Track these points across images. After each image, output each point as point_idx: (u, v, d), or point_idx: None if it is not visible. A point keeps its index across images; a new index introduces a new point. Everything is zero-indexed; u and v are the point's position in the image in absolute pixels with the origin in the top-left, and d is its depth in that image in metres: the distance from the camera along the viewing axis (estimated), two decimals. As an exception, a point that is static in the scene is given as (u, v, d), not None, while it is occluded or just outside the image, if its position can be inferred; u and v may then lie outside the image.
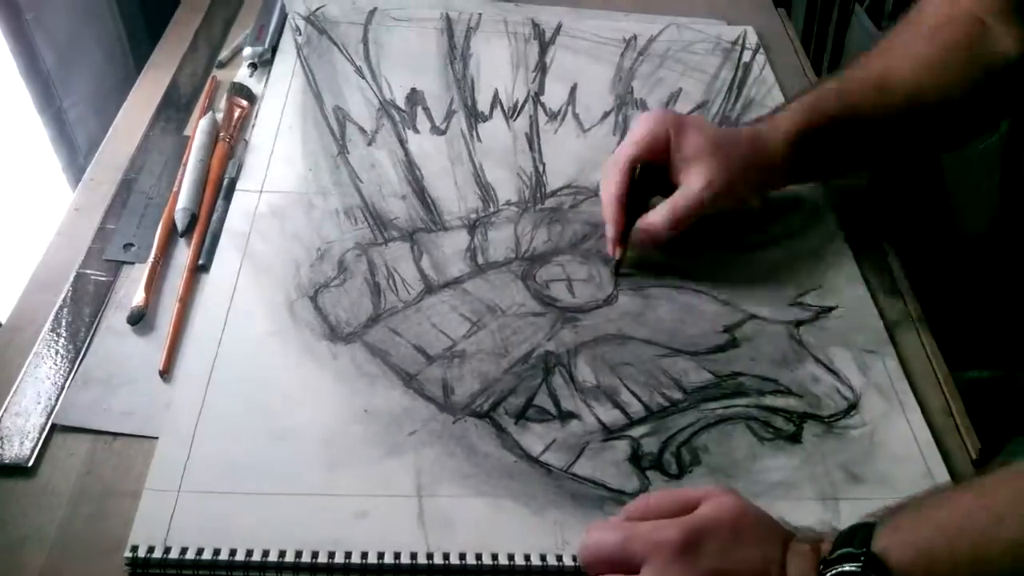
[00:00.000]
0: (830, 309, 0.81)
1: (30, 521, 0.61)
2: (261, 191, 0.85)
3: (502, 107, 0.99)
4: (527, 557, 0.61)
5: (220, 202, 0.83)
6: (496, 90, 1.01)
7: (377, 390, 0.70)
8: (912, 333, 0.81)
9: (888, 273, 0.86)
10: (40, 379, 0.69)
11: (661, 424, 0.70)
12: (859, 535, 0.55)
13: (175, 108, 0.95)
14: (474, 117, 0.97)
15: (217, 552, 0.59)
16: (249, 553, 0.59)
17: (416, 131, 0.95)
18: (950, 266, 1.17)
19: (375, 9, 1.11)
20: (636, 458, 0.68)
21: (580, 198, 0.89)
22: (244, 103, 0.95)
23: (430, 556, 0.60)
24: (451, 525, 0.62)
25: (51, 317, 0.73)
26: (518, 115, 0.98)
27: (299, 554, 0.60)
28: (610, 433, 0.69)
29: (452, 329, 0.75)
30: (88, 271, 0.77)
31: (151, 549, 0.59)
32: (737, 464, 0.68)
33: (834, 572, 0.54)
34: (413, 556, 0.60)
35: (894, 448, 0.71)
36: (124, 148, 0.89)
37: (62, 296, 0.75)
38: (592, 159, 0.93)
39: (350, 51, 1.04)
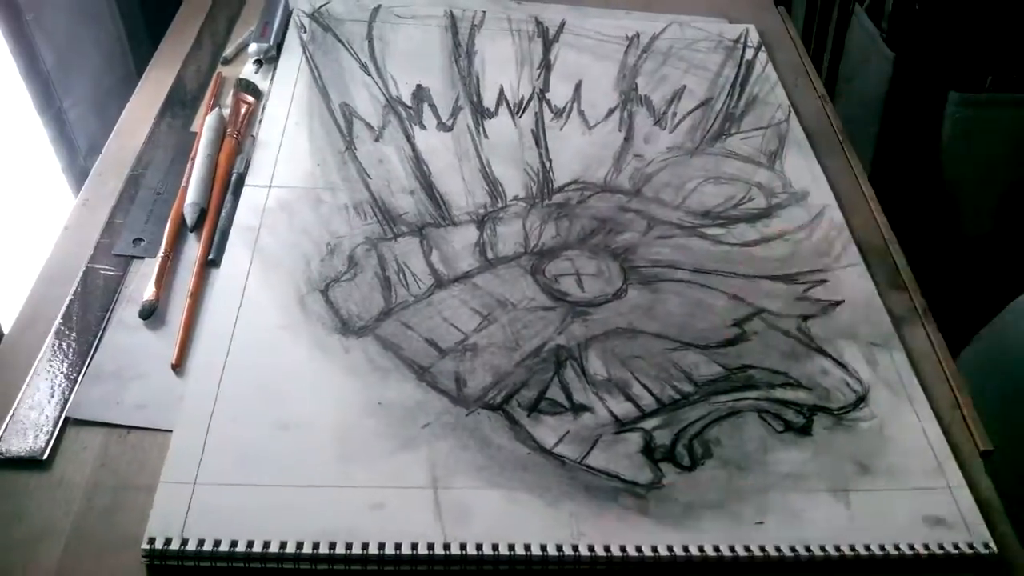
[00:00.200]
0: (837, 303, 0.81)
1: (45, 514, 0.61)
2: (270, 186, 0.85)
3: (508, 104, 0.99)
4: (543, 548, 0.61)
5: (229, 197, 0.84)
6: (501, 87, 1.01)
7: (390, 383, 0.70)
8: (918, 327, 0.81)
9: (893, 267, 0.86)
10: (53, 373, 0.69)
11: (673, 416, 0.70)
12: None
13: (181, 104, 0.95)
14: (480, 114, 0.98)
15: (234, 543, 0.59)
16: (266, 544, 0.59)
17: (423, 127, 0.95)
18: (952, 263, 1.18)
19: (379, 6, 1.11)
20: (649, 450, 0.68)
21: (587, 193, 0.89)
22: (250, 99, 0.95)
23: (447, 547, 0.60)
24: (466, 516, 0.62)
25: (62, 312, 0.73)
26: (524, 112, 0.99)
27: (315, 545, 0.60)
28: (622, 425, 0.69)
29: (463, 323, 0.75)
30: (98, 266, 0.77)
31: (168, 541, 0.59)
32: (748, 456, 0.69)
33: None
34: (430, 547, 0.60)
35: (903, 441, 0.71)
36: (130, 144, 0.89)
37: (72, 291, 0.75)
38: (598, 155, 0.94)
39: (355, 48, 1.04)
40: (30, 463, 0.63)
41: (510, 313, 0.76)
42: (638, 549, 0.62)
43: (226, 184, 0.85)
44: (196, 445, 0.64)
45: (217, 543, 0.59)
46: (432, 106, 0.98)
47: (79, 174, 1.01)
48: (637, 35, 1.12)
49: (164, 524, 0.60)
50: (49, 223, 0.83)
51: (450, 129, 0.95)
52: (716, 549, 0.62)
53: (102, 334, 0.72)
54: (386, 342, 0.73)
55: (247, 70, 1.00)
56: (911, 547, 0.64)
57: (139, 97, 0.96)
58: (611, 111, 1.00)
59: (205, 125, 0.89)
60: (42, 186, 1.02)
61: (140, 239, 0.79)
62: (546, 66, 1.06)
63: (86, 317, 0.73)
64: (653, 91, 1.04)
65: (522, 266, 0.81)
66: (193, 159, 0.86)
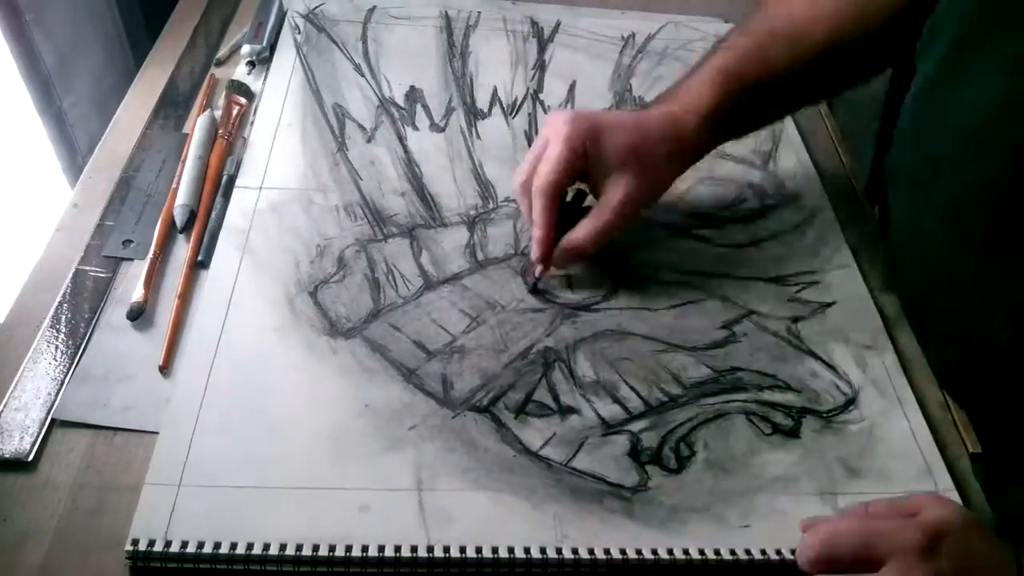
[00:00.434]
0: (828, 305, 0.81)
1: (30, 516, 0.61)
2: (260, 188, 0.85)
3: (501, 105, 0.99)
4: (527, 550, 0.61)
5: (219, 199, 0.84)
6: (495, 88, 1.01)
7: (377, 385, 0.70)
8: (909, 329, 0.81)
9: (885, 269, 0.86)
10: (40, 374, 0.69)
11: (660, 419, 0.70)
12: None
13: (173, 106, 0.95)
14: (473, 115, 0.97)
15: (218, 546, 0.59)
16: (250, 546, 0.59)
17: (415, 128, 0.95)
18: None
19: (374, 7, 1.11)
20: (635, 452, 0.68)
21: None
22: (242, 100, 0.95)
23: (430, 549, 0.60)
24: (451, 519, 0.62)
25: (50, 313, 0.73)
26: (517, 113, 0.99)
27: (300, 547, 0.60)
28: (609, 428, 0.69)
29: (452, 325, 0.75)
30: (87, 267, 0.77)
31: (152, 543, 0.59)
32: (736, 458, 0.69)
33: None
34: (414, 549, 0.60)
35: (892, 443, 0.71)
36: (122, 145, 0.89)
37: (61, 292, 0.75)
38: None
39: (349, 49, 1.04)
40: (15, 464, 0.63)
41: (499, 315, 0.76)
42: (622, 552, 0.62)
43: (216, 186, 0.85)
44: (182, 447, 0.64)
45: (201, 545, 0.59)
46: (425, 107, 0.98)
47: (79, 174, 1.01)
48: (632, 35, 1.12)
49: (148, 525, 0.60)
50: (48, 224, 0.83)
51: (443, 130, 0.95)
52: (701, 552, 0.62)
53: (90, 336, 0.72)
54: (374, 344, 0.73)
55: (240, 71, 1.00)
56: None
57: (132, 98, 0.96)
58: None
59: (196, 126, 0.89)
60: (42, 186, 1.02)
61: (130, 240, 0.80)
62: (540, 66, 1.06)
63: (74, 319, 0.73)
64: (648, 91, 1.04)
65: (512, 267, 0.81)
66: (184, 161, 0.86)
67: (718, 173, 0.93)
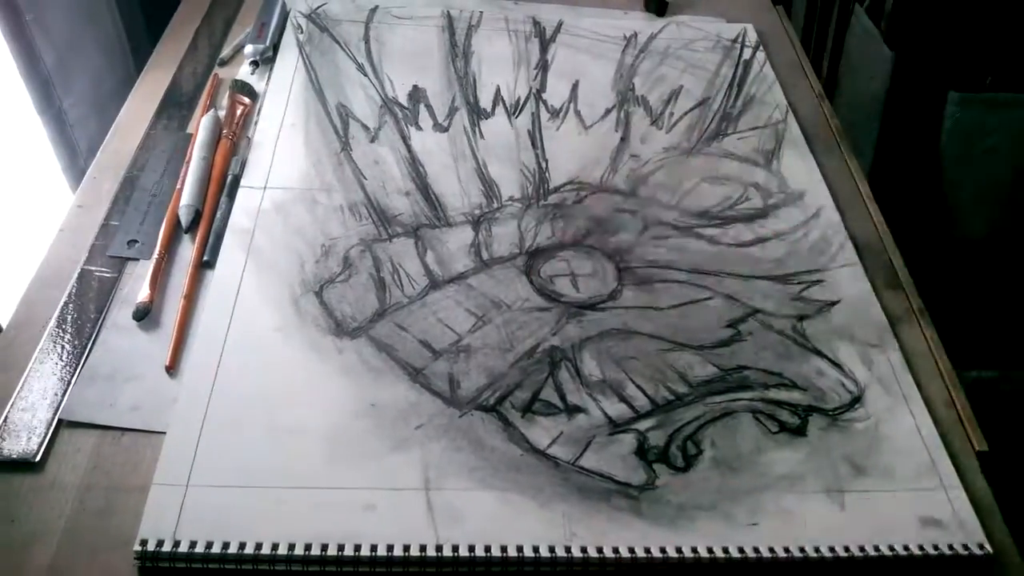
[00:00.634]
0: (833, 303, 0.81)
1: (38, 516, 0.61)
2: (265, 187, 0.85)
3: (504, 104, 0.99)
4: (535, 549, 0.61)
5: (224, 199, 0.84)
6: (498, 87, 1.01)
7: (383, 384, 0.70)
8: (914, 327, 0.81)
9: (890, 267, 0.86)
10: (46, 375, 0.69)
11: (667, 417, 0.70)
12: None
13: (177, 106, 0.95)
14: (476, 114, 0.97)
15: (226, 545, 0.59)
16: (258, 546, 0.59)
17: (419, 128, 0.95)
18: (949, 264, 1.18)
19: (376, 7, 1.11)
20: (642, 451, 0.68)
21: (583, 194, 0.89)
22: (246, 100, 0.95)
23: (439, 548, 0.60)
24: (459, 518, 0.62)
25: (56, 313, 0.73)
26: (520, 112, 0.99)
27: (308, 547, 0.60)
28: (616, 426, 0.69)
29: (457, 324, 0.75)
30: (92, 267, 0.77)
31: (160, 543, 0.59)
32: (743, 457, 0.69)
33: None
34: (422, 549, 0.60)
35: (898, 441, 0.71)
36: (126, 146, 0.89)
37: (67, 292, 0.75)
38: (594, 156, 0.94)
39: (352, 49, 1.04)
40: (23, 465, 0.63)
41: (505, 314, 0.76)
42: (631, 550, 0.62)
43: (221, 185, 0.85)
44: (189, 447, 0.64)
45: (209, 545, 0.59)
46: (428, 107, 0.98)
47: (79, 175, 1.01)
48: (635, 35, 1.12)
49: (156, 526, 0.60)
50: (48, 224, 0.83)
51: (446, 130, 0.95)
52: (709, 550, 0.62)
53: (96, 336, 0.72)
54: (380, 343, 0.73)
55: (243, 71, 1.00)
56: (906, 548, 0.64)
57: (135, 99, 0.96)
58: (608, 111, 1.00)
59: (200, 126, 0.89)
60: (42, 187, 1.02)
61: (135, 241, 0.79)
62: (543, 66, 1.06)
63: (80, 319, 0.73)
64: (650, 91, 1.04)
65: (517, 267, 0.81)
66: (188, 161, 0.86)
67: (722, 172, 0.93)
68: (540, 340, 0.74)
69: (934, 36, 1.32)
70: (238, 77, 0.98)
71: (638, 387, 0.72)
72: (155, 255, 0.78)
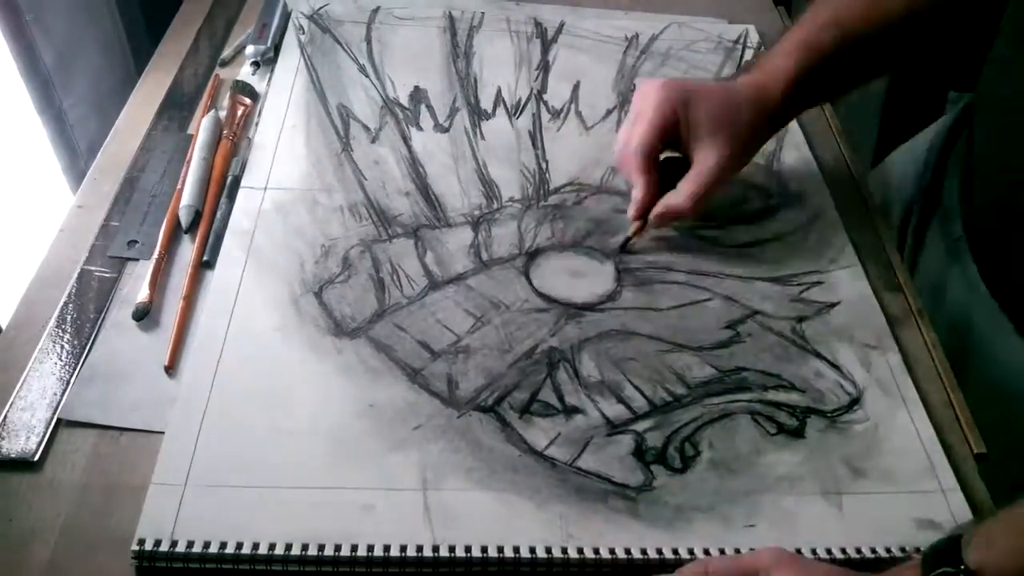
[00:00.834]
0: (832, 305, 0.81)
1: (36, 515, 0.61)
2: (265, 188, 0.85)
3: (505, 105, 0.99)
4: (532, 550, 0.61)
5: (224, 199, 0.84)
6: (499, 88, 1.01)
7: (382, 385, 0.70)
8: (913, 328, 0.81)
9: (889, 268, 0.86)
10: (45, 374, 0.69)
11: (665, 418, 0.70)
12: (948, 552, 0.56)
13: (178, 106, 0.96)
14: (477, 115, 0.98)
15: (224, 545, 0.59)
16: (255, 546, 0.59)
17: (419, 129, 0.95)
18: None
19: (378, 8, 1.11)
20: (640, 452, 0.68)
21: (583, 195, 0.89)
22: (247, 101, 0.95)
23: (436, 549, 0.60)
24: (456, 519, 0.62)
25: (56, 313, 0.73)
26: (521, 113, 0.99)
27: (305, 547, 0.60)
28: (614, 427, 0.69)
29: (456, 325, 0.75)
30: (92, 268, 0.77)
31: (158, 542, 0.59)
32: (740, 458, 0.69)
33: None
34: (419, 549, 0.60)
35: (897, 443, 0.71)
36: (127, 146, 0.90)
37: (66, 292, 0.75)
38: (595, 157, 0.94)
39: (353, 50, 1.04)
40: (21, 464, 0.64)
41: (503, 315, 0.76)
42: (628, 551, 0.62)
43: (221, 186, 0.85)
44: (187, 447, 0.65)
45: (207, 544, 0.59)
46: (429, 107, 0.98)
47: (79, 175, 1.01)
48: (636, 36, 1.12)
49: (154, 525, 0.60)
50: (48, 224, 0.83)
51: (447, 130, 0.95)
52: (707, 552, 0.62)
53: (96, 336, 0.72)
54: (379, 344, 0.73)
55: (244, 72, 1.00)
56: (903, 550, 0.64)
57: (136, 99, 0.97)
58: (609, 112, 1.00)
59: (201, 127, 0.89)
60: (41, 187, 1.02)
61: (135, 241, 0.80)
62: (544, 67, 1.06)
63: (80, 319, 0.73)
64: (651, 92, 1.04)
65: (516, 268, 0.81)
66: (189, 161, 0.86)
67: (722, 173, 0.93)
68: (539, 341, 0.75)
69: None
70: (239, 78, 0.99)
71: (636, 388, 0.72)
72: (155, 255, 0.78)
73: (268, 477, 0.64)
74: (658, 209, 0.81)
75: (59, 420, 0.66)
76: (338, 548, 0.60)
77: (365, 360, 0.72)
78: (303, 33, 1.06)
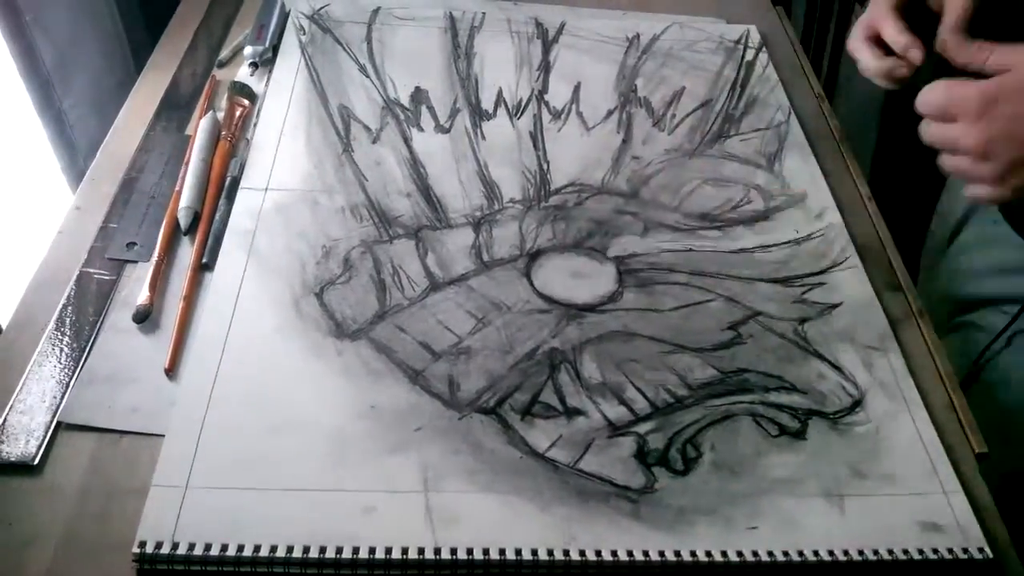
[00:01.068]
0: (834, 306, 0.81)
1: (36, 519, 0.61)
2: (266, 189, 0.85)
3: (506, 106, 0.99)
4: (534, 552, 0.61)
5: (222, 201, 0.83)
6: (500, 89, 1.01)
7: (383, 386, 0.70)
8: (915, 329, 0.81)
9: (891, 269, 0.86)
10: (45, 377, 0.69)
11: (666, 420, 0.70)
12: None
13: (176, 108, 0.95)
14: (478, 115, 0.97)
15: (224, 548, 0.59)
16: (256, 548, 0.59)
17: (420, 129, 0.95)
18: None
19: (378, 8, 1.11)
20: (642, 454, 0.68)
21: (584, 196, 0.89)
22: (245, 102, 0.95)
23: (437, 551, 0.60)
24: (457, 521, 0.62)
25: (55, 316, 0.73)
26: (522, 114, 0.98)
27: (307, 549, 0.59)
28: (616, 429, 0.69)
29: (457, 326, 0.75)
30: (91, 270, 0.77)
31: (159, 545, 0.59)
32: (742, 460, 0.68)
33: None
34: (421, 551, 0.60)
35: (899, 445, 0.71)
36: (125, 148, 0.89)
37: (65, 295, 0.75)
38: (596, 157, 0.94)
39: (354, 50, 1.04)
40: (21, 468, 0.63)
41: (505, 316, 0.76)
42: (630, 554, 0.61)
43: (220, 187, 0.85)
44: (188, 449, 0.64)
45: (208, 547, 0.59)
46: (430, 108, 0.97)
47: (79, 175, 1.01)
48: (637, 36, 1.12)
49: (155, 528, 0.60)
50: (47, 225, 0.83)
51: (448, 131, 0.95)
52: (708, 554, 0.62)
53: (95, 338, 0.72)
54: (380, 345, 0.73)
55: (242, 73, 1.00)
56: (905, 552, 0.64)
57: (134, 100, 0.96)
58: (610, 112, 1.00)
59: (199, 128, 0.89)
60: (41, 187, 1.02)
61: (134, 243, 0.79)
62: (545, 67, 1.05)
63: (79, 321, 0.73)
64: (652, 92, 1.04)
65: (518, 269, 0.80)
66: (187, 163, 0.86)
67: (723, 174, 0.93)
68: (540, 342, 0.74)
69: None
70: (237, 79, 0.98)
71: (638, 390, 0.72)
72: (154, 257, 0.77)
73: (269, 479, 0.63)
74: (944, 29, 0.74)
75: (59, 423, 0.66)
76: (339, 550, 0.60)
77: (366, 361, 0.71)
78: (303, 33, 1.05)
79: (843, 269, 0.84)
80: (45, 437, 0.65)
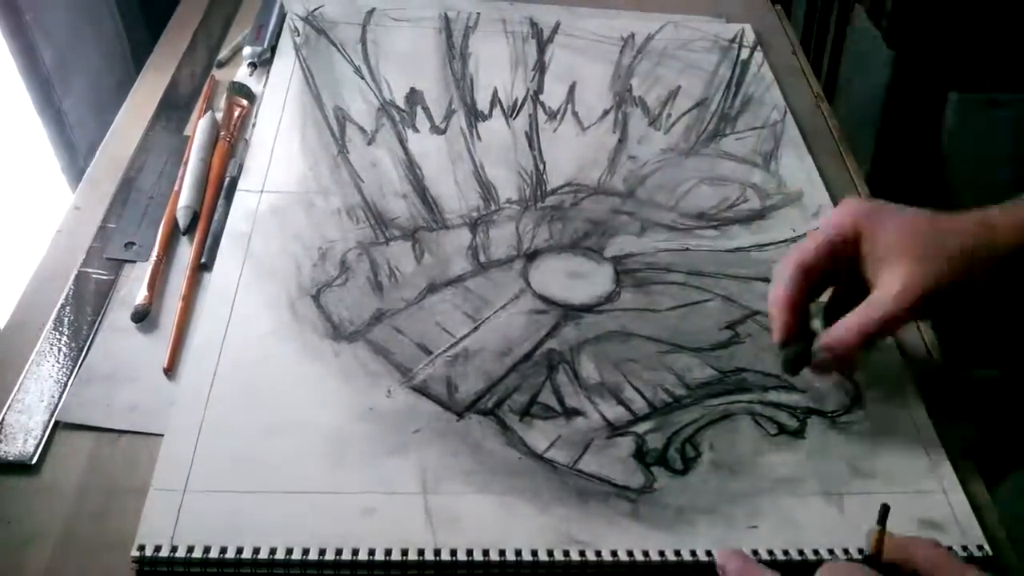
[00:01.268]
0: (831, 305, 0.81)
1: (34, 519, 0.61)
2: (262, 191, 0.85)
3: (501, 106, 0.99)
4: (534, 553, 0.61)
5: (221, 201, 0.83)
6: (495, 89, 1.01)
7: (381, 388, 0.70)
8: (912, 328, 0.81)
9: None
10: (43, 377, 0.69)
11: (665, 420, 0.70)
12: None
13: (175, 108, 0.95)
14: (474, 116, 0.97)
15: (224, 550, 0.59)
16: (256, 551, 0.59)
17: (416, 130, 0.95)
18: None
19: (373, 9, 1.11)
20: (641, 454, 0.68)
21: (580, 196, 0.89)
22: (244, 102, 0.95)
23: (437, 552, 0.60)
24: (457, 522, 0.62)
25: (53, 315, 0.73)
26: (518, 114, 0.98)
27: (306, 551, 0.59)
28: (614, 429, 0.69)
29: (455, 327, 0.75)
30: (90, 270, 0.77)
31: (158, 548, 0.58)
32: (741, 459, 0.68)
33: None
34: (420, 553, 0.60)
35: (897, 443, 0.71)
36: (124, 148, 0.89)
37: (64, 294, 0.75)
38: (592, 157, 0.94)
39: (349, 51, 1.04)
40: (19, 467, 0.63)
41: (502, 317, 0.76)
42: (629, 553, 0.61)
43: (219, 188, 0.85)
44: (187, 451, 0.64)
45: (207, 550, 0.59)
46: (425, 109, 0.97)
47: (78, 175, 1.00)
48: (632, 35, 1.12)
49: (154, 530, 0.59)
50: (47, 224, 0.83)
51: (443, 132, 0.95)
52: (708, 553, 0.62)
53: (93, 338, 0.72)
54: (377, 347, 0.72)
55: (241, 73, 1.00)
56: (904, 551, 0.64)
57: (133, 100, 0.96)
58: (605, 112, 1.00)
59: (198, 129, 0.89)
60: (41, 187, 1.01)
61: (132, 243, 0.79)
62: (540, 67, 1.06)
63: (77, 321, 0.73)
64: (648, 92, 1.04)
65: (515, 269, 0.80)
66: (186, 163, 0.86)
67: (720, 173, 0.93)
68: (538, 343, 0.74)
69: (934, 36, 1.32)
70: (236, 79, 0.98)
71: (636, 390, 0.72)
72: (153, 257, 0.77)
73: (267, 481, 0.63)
74: (821, 344, 0.67)
75: (57, 422, 0.66)
76: (338, 552, 0.60)
77: (364, 363, 0.71)
78: (298, 35, 1.05)
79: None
80: (43, 436, 0.65)
